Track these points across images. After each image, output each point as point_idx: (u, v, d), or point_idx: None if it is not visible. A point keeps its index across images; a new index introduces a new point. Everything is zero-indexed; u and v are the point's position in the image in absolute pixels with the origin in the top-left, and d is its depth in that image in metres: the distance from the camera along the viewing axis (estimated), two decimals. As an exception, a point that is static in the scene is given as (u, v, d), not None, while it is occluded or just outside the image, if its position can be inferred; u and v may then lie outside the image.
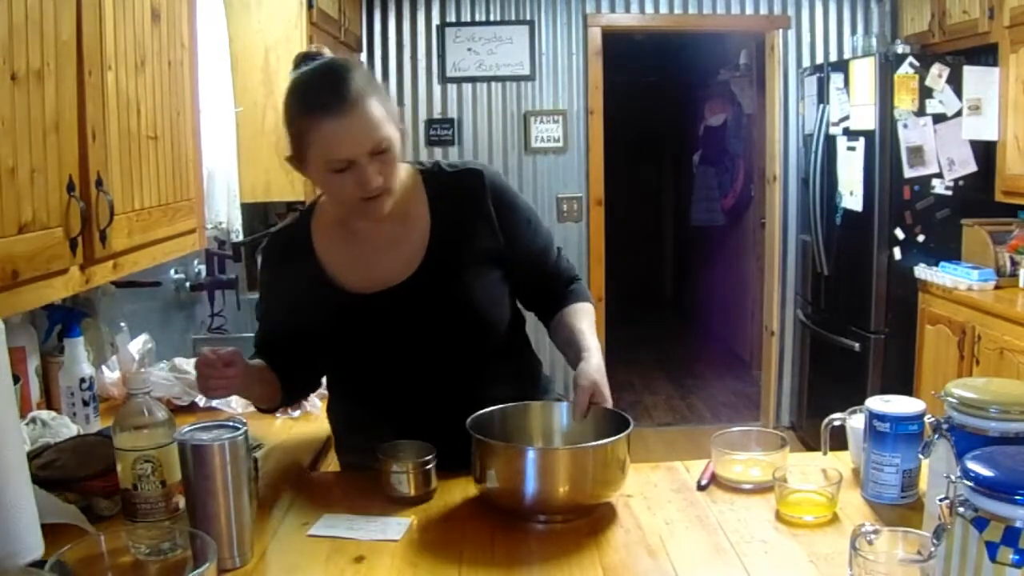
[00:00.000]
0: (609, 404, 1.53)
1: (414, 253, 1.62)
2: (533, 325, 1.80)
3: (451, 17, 4.66)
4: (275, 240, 1.76)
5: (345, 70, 1.50)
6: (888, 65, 3.83)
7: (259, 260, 1.75)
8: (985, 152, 3.82)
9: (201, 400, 2.13)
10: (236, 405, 2.13)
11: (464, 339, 1.63)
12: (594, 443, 1.43)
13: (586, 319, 1.71)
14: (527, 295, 1.76)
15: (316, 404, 2.15)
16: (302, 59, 1.59)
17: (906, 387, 3.78)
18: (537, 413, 1.64)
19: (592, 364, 1.57)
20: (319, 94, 1.48)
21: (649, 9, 4.71)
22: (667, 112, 7.53)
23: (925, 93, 3.83)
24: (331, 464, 1.97)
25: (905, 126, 3.84)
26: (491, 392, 1.61)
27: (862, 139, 3.94)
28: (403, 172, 1.62)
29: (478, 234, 1.63)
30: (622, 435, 1.43)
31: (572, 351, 1.64)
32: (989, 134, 3.78)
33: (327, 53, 1.62)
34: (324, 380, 1.79)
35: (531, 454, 1.44)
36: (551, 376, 1.95)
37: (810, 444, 4.30)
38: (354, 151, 1.46)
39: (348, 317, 1.61)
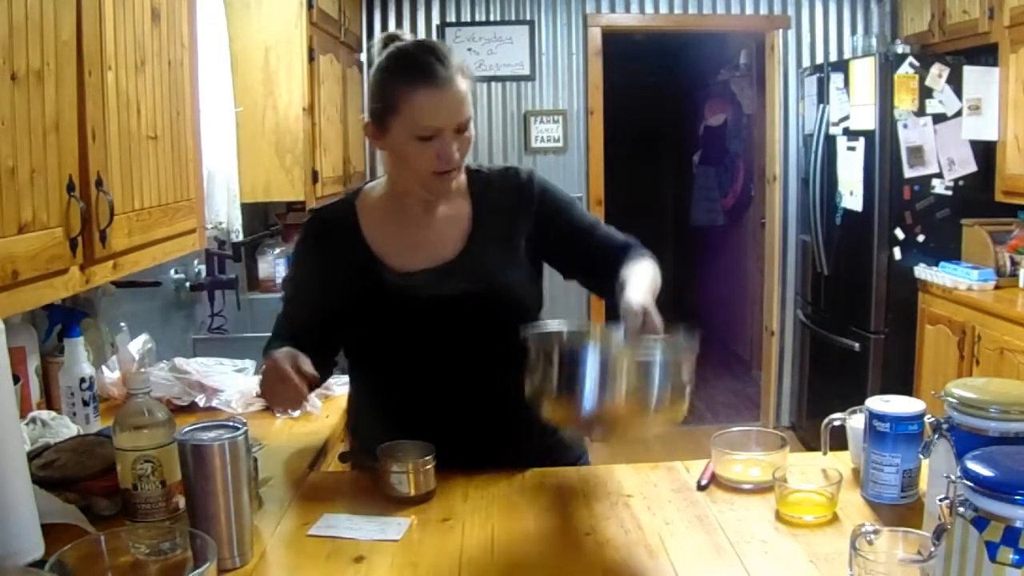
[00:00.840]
0: (660, 332, 1.45)
1: (457, 236, 1.69)
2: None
3: (451, 17, 4.66)
4: (319, 216, 1.78)
5: (444, 47, 1.59)
6: (888, 65, 3.83)
7: (297, 239, 1.77)
8: (985, 152, 3.82)
9: (201, 400, 2.13)
10: (236, 405, 2.13)
11: (497, 320, 1.62)
12: (659, 356, 1.30)
13: (638, 269, 1.66)
14: (585, 271, 1.77)
15: (316, 404, 2.15)
16: (390, 39, 1.63)
17: (906, 387, 3.78)
18: (597, 335, 1.43)
19: (637, 293, 1.52)
20: (420, 64, 1.54)
21: (649, 9, 4.71)
22: (667, 112, 7.52)
23: (925, 93, 3.83)
24: (331, 464, 1.97)
25: (905, 126, 3.84)
26: (515, 378, 1.51)
27: (862, 139, 3.94)
28: None
29: (517, 223, 1.70)
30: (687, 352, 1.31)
31: (620, 293, 1.58)
32: (989, 134, 3.78)
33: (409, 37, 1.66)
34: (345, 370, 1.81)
35: (591, 351, 1.28)
36: None
37: (810, 444, 4.30)
38: (444, 122, 1.54)
39: (389, 293, 1.64)
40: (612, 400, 1.29)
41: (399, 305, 1.64)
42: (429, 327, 1.63)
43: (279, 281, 3.76)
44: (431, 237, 1.69)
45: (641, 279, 1.60)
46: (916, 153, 3.85)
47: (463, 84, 1.55)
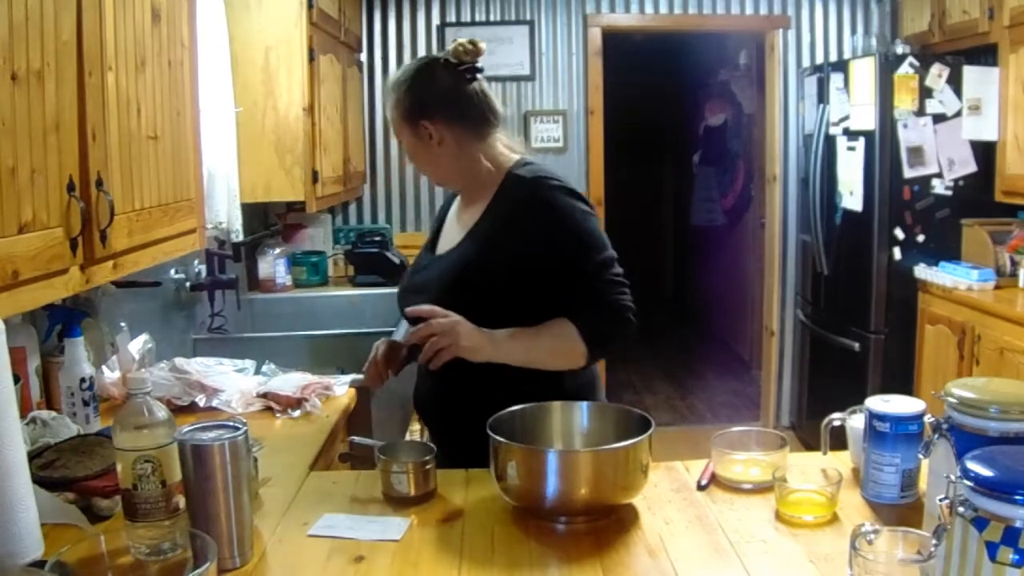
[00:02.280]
0: (433, 330, 1.61)
1: (463, 230, 1.81)
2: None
3: (451, 17, 4.66)
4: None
5: (397, 75, 1.80)
6: (888, 65, 3.83)
7: None
8: (985, 152, 3.82)
9: (201, 400, 2.13)
10: (236, 405, 2.13)
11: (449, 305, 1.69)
12: (615, 445, 1.42)
13: (544, 331, 1.69)
14: (558, 307, 1.72)
15: (316, 404, 2.15)
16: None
17: (906, 387, 3.78)
18: (557, 414, 1.63)
19: (464, 321, 1.64)
20: None
21: (649, 9, 4.71)
22: (667, 112, 7.53)
23: (925, 93, 3.83)
24: (331, 464, 1.97)
25: (905, 126, 3.84)
26: (492, 377, 1.68)
27: (862, 139, 3.94)
28: (494, 160, 1.80)
29: (508, 235, 1.72)
30: (644, 436, 1.42)
31: None
32: (989, 134, 3.78)
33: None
34: None
35: (552, 456, 1.43)
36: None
37: (810, 444, 4.30)
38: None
39: (413, 272, 1.93)
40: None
41: (407, 288, 1.88)
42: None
43: (279, 281, 3.76)
44: (452, 231, 1.87)
45: (527, 334, 1.69)
46: (916, 153, 3.85)
47: (389, 112, 1.79)
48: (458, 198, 1.92)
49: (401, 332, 2.11)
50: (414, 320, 1.69)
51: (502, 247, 1.71)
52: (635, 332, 1.74)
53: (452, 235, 1.84)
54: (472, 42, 1.74)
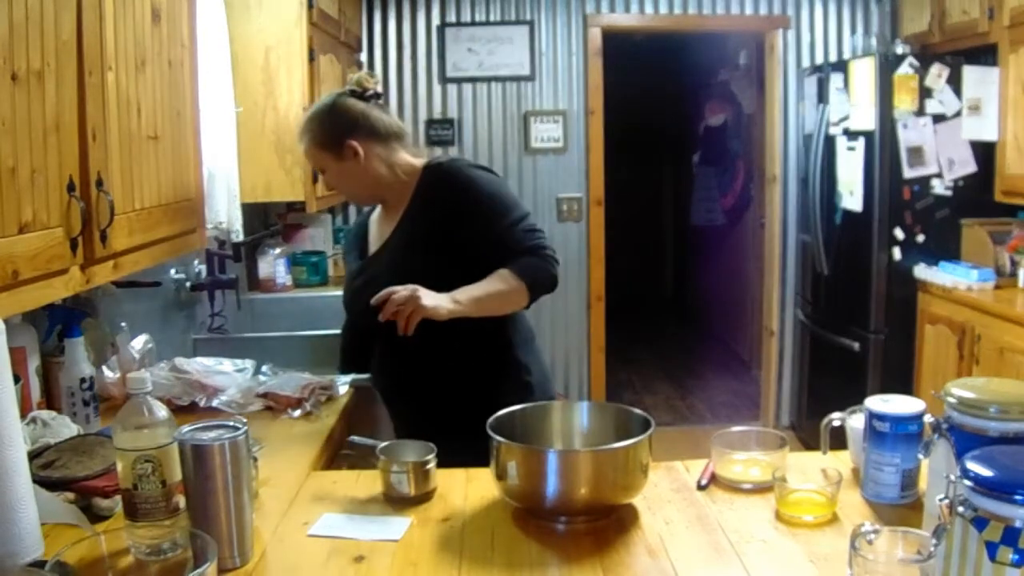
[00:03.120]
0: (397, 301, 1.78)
1: (387, 232, 2.04)
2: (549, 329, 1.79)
3: (451, 17, 4.66)
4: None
5: (307, 117, 2.04)
6: (888, 65, 3.83)
7: None
8: (985, 152, 3.82)
9: (201, 400, 2.13)
10: (236, 405, 2.13)
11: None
12: (615, 445, 1.42)
13: (489, 280, 1.90)
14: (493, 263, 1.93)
15: (317, 404, 2.15)
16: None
17: (906, 387, 3.77)
18: (557, 414, 1.64)
19: (420, 287, 1.82)
20: None
21: (649, 9, 4.71)
22: (667, 112, 7.53)
23: (925, 93, 3.83)
24: (331, 464, 1.97)
25: (905, 126, 3.84)
26: (446, 366, 1.97)
27: (862, 139, 3.94)
28: (405, 166, 2.04)
29: (432, 213, 1.96)
30: (644, 436, 1.42)
31: None
32: (989, 134, 3.78)
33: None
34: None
35: (552, 456, 1.43)
36: (547, 377, 2.12)
37: (810, 444, 4.30)
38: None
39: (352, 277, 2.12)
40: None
41: (353, 291, 2.07)
42: (362, 309, 1.91)
43: (279, 281, 3.76)
44: (376, 233, 2.10)
45: (465, 291, 1.88)
46: (916, 153, 3.85)
47: (304, 146, 2.03)
48: (376, 212, 2.15)
49: None
50: (377, 309, 1.82)
51: (430, 224, 1.96)
52: (557, 270, 1.95)
53: (381, 236, 2.07)
54: (371, 74, 2.08)
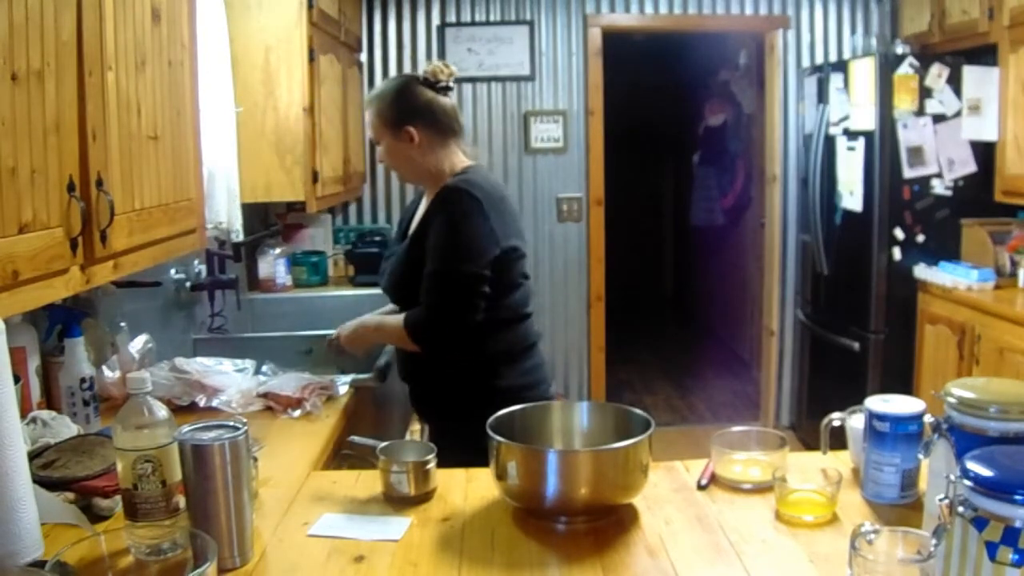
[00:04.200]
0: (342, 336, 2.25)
1: (418, 220, 2.18)
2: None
3: (451, 17, 4.66)
4: None
5: (380, 88, 2.20)
6: (888, 65, 3.83)
7: None
8: (985, 152, 3.82)
9: (201, 400, 2.13)
10: (236, 405, 2.13)
11: (396, 301, 2.21)
12: (615, 445, 1.42)
13: (395, 317, 2.15)
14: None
15: (317, 404, 2.15)
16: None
17: (906, 387, 3.78)
18: (557, 414, 1.64)
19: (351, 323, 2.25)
20: None
21: (649, 9, 4.71)
22: (667, 112, 7.52)
23: (925, 93, 3.83)
24: (331, 464, 1.97)
25: (905, 126, 3.84)
26: (425, 363, 2.14)
27: (862, 139, 3.94)
28: (453, 162, 2.17)
29: (425, 230, 2.08)
30: (644, 436, 1.42)
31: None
32: (989, 134, 3.78)
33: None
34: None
35: (552, 456, 1.43)
36: (529, 384, 2.17)
37: (810, 444, 4.30)
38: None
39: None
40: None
41: (383, 268, 2.29)
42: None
43: (279, 281, 3.76)
44: (417, 216, 2.21)
45: (386, 319, 2.23)
46: (916, 153, 3.85)
47: (368, 115, 2.17)
48: (424, 196, 2.26)
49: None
50: (393, 288, 2.21)
51: (422, 239, 2.07)
52: (437, 333, 2.05)
53: (415, 221, 2.21)
54: (447, 65, 2.14)
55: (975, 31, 3.75)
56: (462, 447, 1.66)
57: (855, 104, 4.01)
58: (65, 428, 1.77)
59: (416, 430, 2.91)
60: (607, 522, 1.42)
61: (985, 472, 0.98)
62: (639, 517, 1.44)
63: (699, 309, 7.35)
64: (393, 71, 4.68)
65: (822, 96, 4.28)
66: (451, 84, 2.14)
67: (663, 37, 6.01)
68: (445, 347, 2.07)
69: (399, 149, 2.12)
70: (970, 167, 3.86)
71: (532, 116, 4.71)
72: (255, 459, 1.55)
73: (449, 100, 2.15)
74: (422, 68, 2.15)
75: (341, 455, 2.03)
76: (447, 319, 2.02)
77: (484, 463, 1.49)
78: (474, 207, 2.02)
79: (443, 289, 2.01)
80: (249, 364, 2.34)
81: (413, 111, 2.09)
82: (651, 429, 1.45)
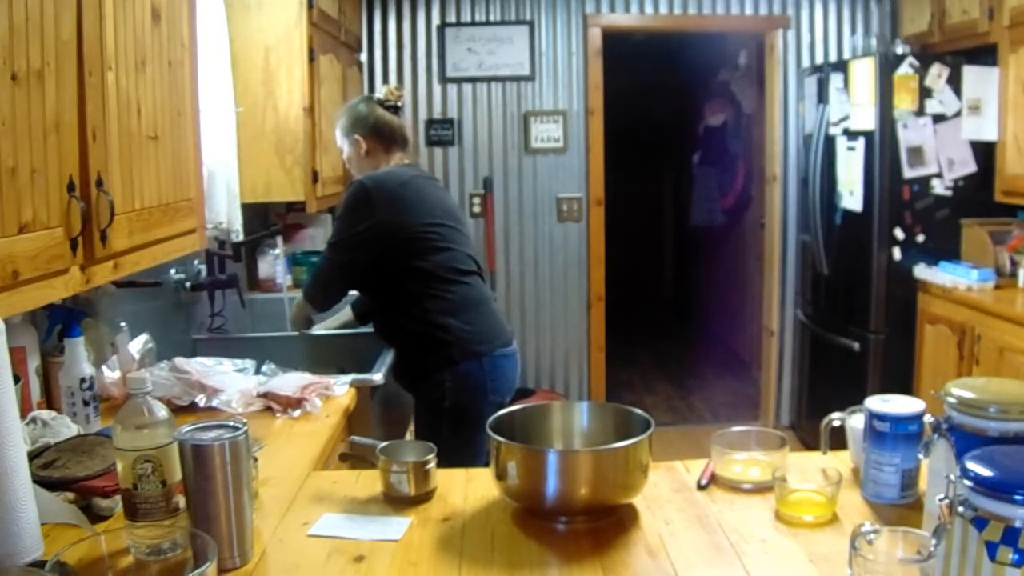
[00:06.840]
0: None
1: None
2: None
3: (451, 17, 4.66)
4: None
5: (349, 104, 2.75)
6: (888, 65, 3.83)
7: None
8: (985, 152, 3.82)
9: (201, 400, 2.13)
10: (236, 405, 2.13)
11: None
12: (615, 445, 1.42)
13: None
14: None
15: (317, 404, 2.15)
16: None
17: (906, 387, 3.78)
18: (557, 414, 1.64)
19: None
20: None
21: (649, 9, 4.71)
22: (667, 112, 7.52)
23: (925, 93, 3.83)
24: (331, 464, 1.97)
25: (905, 126, 3.84)
26: (385, 326, 2.62)
27: (862, 139, 3.94)
28: (376, 170, 2.59)
29: None
30: (644, 436, 1.42)
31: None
32: (989, 134, 3.78)
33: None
34: None
35: (552, 456, 1.43)
36: (476, 337, 2.49)
37: (810, 444, 4.30)
38: None
39: None
40: None
41: None
42: None
43: (279, 281, 3.76)
44: None
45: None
46: (916, 153, 3.85)
47: (335, 130, 2.70)
48: None
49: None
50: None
51: None
52: (305, 299, 2.60)
53: None
54: (398, 88, 2.67)
55: (975, 31, 3.75)
56: (436, 409, 2.37)
57: (855, 104, 4.01)
58: (65, 428, 1.77)
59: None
60: (607, 522, 1.42)
61: (985, 472, 0.98)
62: (639, 517, 1.44)
63: (699, 309, 7.35)
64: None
65: (822, 96, 4.28)
66: (399, 104, 2.64)
67: (663, 37, 6.01)
68: (321, 308, 2.64)
69: (351, 155, 2.65)
70: (970, 167, 3.86)
71: (532, 116, 4.71)
72: (255, 459, 1.55)
73: (396, 118, 2.62)
74: (380, 90, 2.72)
75: (341, 455, 2.03)
76: (314, 287, 2.57)
77: (455, 419, 1.73)
78: (360, 197, 2.41)
79: (318, 266, 2.58)
80: (249, 364, 2.34)
81: (363, 124, 2.59)
82: (651, 429, 1.45)
